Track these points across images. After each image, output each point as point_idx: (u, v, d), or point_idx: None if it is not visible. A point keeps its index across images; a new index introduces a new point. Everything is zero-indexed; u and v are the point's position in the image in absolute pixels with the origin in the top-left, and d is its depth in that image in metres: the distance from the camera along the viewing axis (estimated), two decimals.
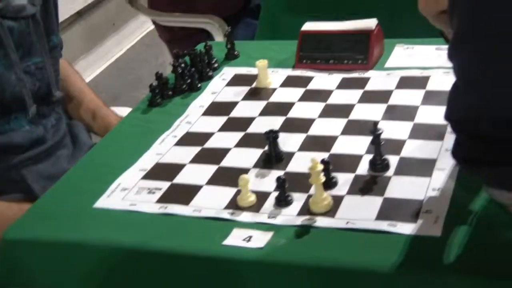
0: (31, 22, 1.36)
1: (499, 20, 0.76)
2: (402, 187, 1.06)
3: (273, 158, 1.17)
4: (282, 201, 1.06)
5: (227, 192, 1.11)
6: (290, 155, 1.18)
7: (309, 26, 1.51)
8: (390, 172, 1.10)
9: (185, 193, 1.12)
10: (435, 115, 1.22)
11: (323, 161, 1.08)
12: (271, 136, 1.16)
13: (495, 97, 0.79)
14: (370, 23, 1.46)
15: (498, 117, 0.80)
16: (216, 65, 1.53)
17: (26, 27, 1.36)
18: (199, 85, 1.45)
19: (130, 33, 3.81)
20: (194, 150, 1.24)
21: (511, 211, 0.93)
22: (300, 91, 1.38)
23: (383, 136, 1.15)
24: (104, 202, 1.12)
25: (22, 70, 1.35)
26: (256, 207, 1.06)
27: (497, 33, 0.77)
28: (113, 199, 1.13)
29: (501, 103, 0.79)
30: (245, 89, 1.42)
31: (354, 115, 1.27)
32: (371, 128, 1.10)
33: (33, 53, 1.39)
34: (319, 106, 1.32)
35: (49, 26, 1.47)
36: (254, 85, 1.43)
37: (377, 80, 1.38)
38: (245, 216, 1.05)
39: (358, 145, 1.17)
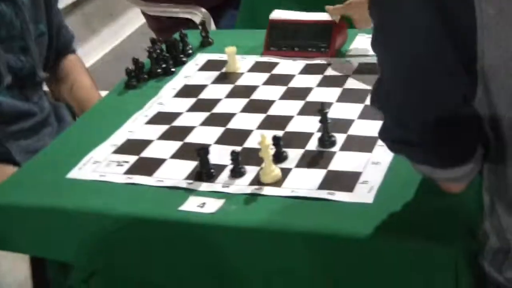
0: (16, 8, 1.49)
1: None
2: (345, 161, 1.17)
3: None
4: (236, 173, 1.17)
5: (188, 165, 1.22)
6: (249, 132, 1.29)
7: (278, 14, 1.61)
8: (336, 148, 1.20)
9: (150, 166, 1.23)
10: None
11: (274, 137, 1.19)
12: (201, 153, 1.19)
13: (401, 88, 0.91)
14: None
15: (411, 104, 0.90)
16: (190, 51, 1.63)
17: (11, 11, 1.49)
18: (173, 69, 1.56)
19: (126, 23, 3.92)
20: (163, 128, 1.35)
21: (437, 182, 1.03)
22: (265, 76, 1.49)
23: (334, 116, 1.27)
24: (77, 173, 1.24)
25: (1, 47, 1.48)
26: (213, 178, 1.17)
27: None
28: (84, 171, 1.24)
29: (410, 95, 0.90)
30: (215, 74, 1.53)
31: (311, 97, 1.38)
32: (319, 108, 1.20)
33: (17, 36, 1.51)
34: (280, 89, 1.42)
35: (36, 14, 1.59)
36: (223, 70, 1.54)
37: (336, 66, 1.48)
38: (202, 186, 1.16)
39: (311, 124, 1.27)
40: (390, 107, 0.93)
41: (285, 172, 1.16)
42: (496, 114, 0.90)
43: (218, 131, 1.31)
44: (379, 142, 1.20)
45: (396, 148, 0.99)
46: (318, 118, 1.22)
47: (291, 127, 1.29)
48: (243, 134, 1.28)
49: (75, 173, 1.24)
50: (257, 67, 1.53)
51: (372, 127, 1.25)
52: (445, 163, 0.95)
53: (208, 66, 1.57)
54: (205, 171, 1.18)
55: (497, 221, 0.98)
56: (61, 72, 1.72)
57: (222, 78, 1.51)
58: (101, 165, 1.25)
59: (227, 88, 1.47)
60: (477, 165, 0.98)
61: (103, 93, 1.80)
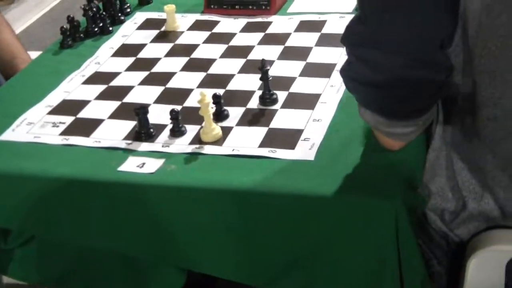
0: None
1: None
2: (286, 119, 1.15)
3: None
4: (176, 132, 1.14)
5: (127, 125, 1.18)
6: (189, 91, 1.26)
7: None
8: (277, 106, 1.19)
9: (87, 126, 1.19)
10: (326, 55, 1.32)
11: (214, 95, 1.16)
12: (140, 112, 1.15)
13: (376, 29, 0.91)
14: None
15: (377, 44, 0.90)
16: (128, 10, 1.59)
17: None
18: (111, 28, 1.51)
19: None
20: (100, 88, 1.31)
21: (375, 134, 1.03)
22: (205, 34, 1.46)
23: (276, 74, 1.25)
24: (9, 135, 1.19)
25: None
26: (152, 138, 1.15)
27: None
28: (18, 133, 1.20)
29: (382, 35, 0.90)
30: (154, 33, 1.49)
31: (253, 55, 1.35)
32: (259, 65, 1.18)
33: None
34: (221, 48, 1.40)
35: None
36: (163, 28, 1.50)
37: (278, 24, 1.46)
38: (141, 146, 1.13)
39: (252, 82, 1.25)
40: (367, 45, 0.92)
41: (226, 130, 1.14)
42: (471, 59, 0.90)
43: (157, 90, 1.28)
44: (321, 99, 1.20)
45: (353, 86, 0.98)
46: (259, 75, 1.21)
47: (232, 86, 1.26)
48: (183, 93, 1.25)
49: (8, 135, 1.19)
50: (197, 26, 1.50)
51: (313, 85, 1.24)
52: (398, 113, 0.95)
53: (147, 25, 1.53)
54: (144, 131, 1.15)
55: (453, 179, 0.98)
56: None
57: (161, 37, 1.47)
58: (36, 126, 1.21)
59: (166, 47, 1.43)
60: (422, 126, 0.98)
61: (36, 53, 1.75)
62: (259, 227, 1.05)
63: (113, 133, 1.17)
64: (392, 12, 0.89)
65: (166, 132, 1.15)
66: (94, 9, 1.52)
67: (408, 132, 0.99)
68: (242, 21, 1.49)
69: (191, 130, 1.15)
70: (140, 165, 1.09)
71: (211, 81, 1.29)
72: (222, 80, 1.28)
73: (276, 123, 1.15)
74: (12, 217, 1.14)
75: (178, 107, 1.20)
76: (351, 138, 1.09)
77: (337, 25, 1.41)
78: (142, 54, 1.41)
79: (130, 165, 1.09)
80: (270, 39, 1.41)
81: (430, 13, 0.87)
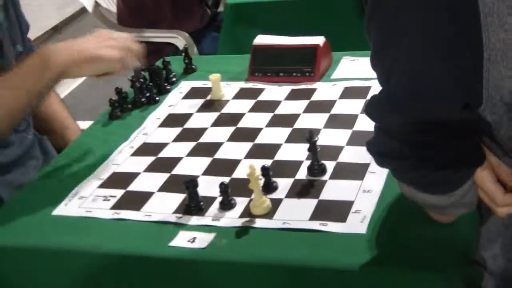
0: None
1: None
2: (336, 190, 1.15)
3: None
4: (226, 205, 1.15)
5: (176, 198, 1.19)
6: (237, 162, 1.27)
7: (261, 39, 1.60)
8: (326, 176, 1.19)
9: (138, 200, 1.20)
10: (372, 123, 1.31)
11: (263, 168, 1.17)
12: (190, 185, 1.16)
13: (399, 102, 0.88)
14: (318, 39, 1.55)
15: (402, 118, 0.87)
16: (174, 79, 1.62)
17: None
18: (157, 98, 1.54)
19: None
20: (149, 159, 1.32)
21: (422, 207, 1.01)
22: (251, 103, 1.47)
23: (323, 143, 1.25)
24: (62, 210, 1.21)
25: None
26: (202, 212, 1.15)
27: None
28: (70, 207, 1.21)
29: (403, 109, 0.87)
30: (200, 102, 1.51)
31: (299, 124, 1.36)
32: (307, 136, 1.19)
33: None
34: (267, 116, 1.41)
35: (12, 36, 1.55)
36: (208, 97, 1.52)
37: (322, 90, 1.47)
38: (191, 220, 1.14)
39: (300, 152, 1.25)
40: (382, 110, 0.90)
41: (276, 202, 1.14)
42: None
43: (205, 161, 1.29)
44: (370, 169, 1.19)
45: (381, 161, 0.95)
46: (307, 145, 1.21)
47: (279, 156, 1.27)
48: (231, 164, 1.26)
49: (61, 210, 1.21)
50: (242, 94, 1.52)
51: (361, 154, 1.23)
52: (420, 183, 0.91)
53: (192, 94, 1.56)
54: (194, 205, 1.15)
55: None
56: None
57: (207, 106, 1.50)
58: (87, 200, 1.23)
59: (212, 116, 1.45)
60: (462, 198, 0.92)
61: (85, 122, 1.78)
62: None
63: (163, 206, 1.18)
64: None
65: (215, 205, 1.16)
66: (141, 79, 1.55)
67: (444, 205, 0.93)
68: (287, 89, 1.51)
69: (241, 202, 1.16)
70: (191, 240, 1.09)
71: (258, 152, 1.29)
72: (269, 150, 1.29)
73: (325, 195, 1.14)
74: None
75: (226, 179, 1.21)
76: (402, 208, 1.08)
77: None
78: (189, 124, 1.43)
79: (181, 240, 1.09)
80: (315, 107, 1.42)
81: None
